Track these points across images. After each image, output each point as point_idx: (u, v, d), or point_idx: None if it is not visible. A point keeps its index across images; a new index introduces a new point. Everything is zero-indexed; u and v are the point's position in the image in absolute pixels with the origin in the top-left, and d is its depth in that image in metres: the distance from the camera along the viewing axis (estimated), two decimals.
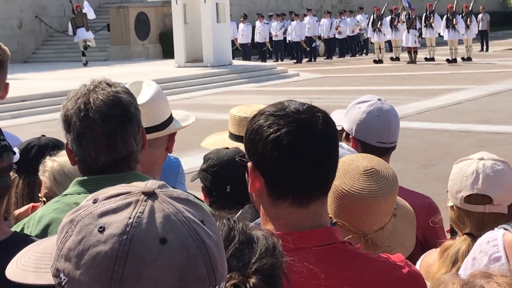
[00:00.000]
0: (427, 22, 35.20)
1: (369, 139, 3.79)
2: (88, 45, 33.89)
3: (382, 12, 37.12)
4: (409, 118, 18.14)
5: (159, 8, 37.50)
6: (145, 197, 1.33)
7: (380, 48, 36.32)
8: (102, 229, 1.29)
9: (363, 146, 3.79)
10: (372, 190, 2.74)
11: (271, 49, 39.45)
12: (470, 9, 35.99)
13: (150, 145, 3.51)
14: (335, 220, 2.73)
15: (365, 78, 28.98)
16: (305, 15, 39.88)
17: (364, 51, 41.78)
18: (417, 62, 34.45)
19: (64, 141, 2.80)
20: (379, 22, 36.53)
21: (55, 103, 22.12)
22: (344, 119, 3.86)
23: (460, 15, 35.23)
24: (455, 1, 35.80)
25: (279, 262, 1.74)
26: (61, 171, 3.19)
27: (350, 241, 2.34)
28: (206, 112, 19.57)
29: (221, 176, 4.13)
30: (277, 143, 2.16)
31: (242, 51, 38.22)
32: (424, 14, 35.66)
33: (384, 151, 3.79)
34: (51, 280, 1.35)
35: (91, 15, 34.02)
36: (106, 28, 36.68)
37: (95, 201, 1.34)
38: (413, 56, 34.88)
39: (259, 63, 35.45)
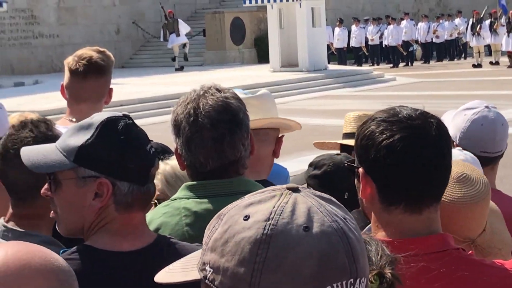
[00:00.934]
0: None
1: (472, 148, 3.66)
2: (186, 56, 34.38)
3: (481, 16, 36.48)
4: (510, 124, 17.66)
5: (254, 13, 37.63)
6: (290, 191, 1.38)
7: (479, 52, 35.68)
8: (247, 217, 1.34)
9: None
10: (472, 195, 2.67)
11: (367, 54, 39.16)
12: None
13: (258, 139, 3.50)
14: None
15: (463, 82, 28.44)
16: (402, 19, 39.50)
17: (463, 55, 41.12)
18: None
19: (170, 145, 2.79)
20: (478, 26, 35.91)
21: (152, 108, 22.42)
22: (450, 124, 3.75)
23: None
24: None
25: (393, 259, 1.77)
26: (173, 173, 3.21)
27: None
28: (301, 117, 19.46)
29: (338, 182, 4.01)
30: (390, 149, 2.15)
31: (338, 55, 38.07)
32: None
33: (488, 160, 3.69)
34: (197, 276, 1.39)
35: (186, 29, 34.36)
36: (202, 33, 37.00)
37: (242, 198, 1.41)
38: None
39: (355, 67, 35.24)
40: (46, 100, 21.41)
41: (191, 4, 37.94)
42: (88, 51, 4.26)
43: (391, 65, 37.77)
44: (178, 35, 34.48)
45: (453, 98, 22.93)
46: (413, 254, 2.10)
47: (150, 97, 23.69)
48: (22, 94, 22.66)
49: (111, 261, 2.31)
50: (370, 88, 27.95)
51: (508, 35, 34.64)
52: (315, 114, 19.76)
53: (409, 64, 38.25)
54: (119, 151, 2.32)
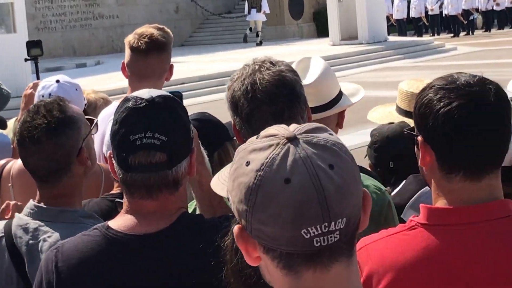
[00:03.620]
0: None
1: None
2: (258, 33, 34.43)
3: None
4: None
5: None
6: (285, 141, 1.55)
7: None
8: (247, 163, 1.55)
9: None
10: None
11: (427, 24, 38.73)
12: None
13: (319, 121, 3.49)
14: None
15: None
16: None
17: None
18: None
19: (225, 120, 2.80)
20: None
21: (213, 85, 22.53)
22: None
23: None
24: None
25: None
26: None
27: None
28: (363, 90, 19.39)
29: (383, 152, 4.10)
30: (448, 117, 2.16)
31: (398, 26, 37.75)
32: None
33: None
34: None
35: (265, 6, 34.42)
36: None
37: (257, 137, 1.60)
38: None
39: (415, 38, 34.92)
40: (109, 80, 21.66)
41: None
42: (148, 29, 4.32)
43: (452, 34, 37.32)
44: (259, 10, 34.39)
45: None
46: (474, 221, 2.14)
47: (210, 74, 23.82)
48: (85, 75, 22.93)
49: (122, 242, 2.39)
50: (430, 59, 27.67)
51: None
52: (377, 86, 19.66)
53: (470, 33, 37.76)
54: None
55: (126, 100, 2.45)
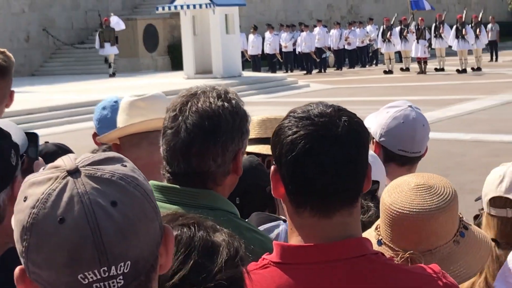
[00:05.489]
0: (436, 33, 35.16)
1: (391, 145, 3.67)
2: (111, 64, 34.49)
3: (391, 23, 37.01)
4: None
5: (167, 20, 37.44)
6: (65, 174, 1.42)
7: (390, 59, 36.16)
8: (25, 199, 1.42)
9: (384, 152, 3.69)
10: (418, 206, 2.50)
11: (281, 60, 39.32)
12: (479, 19, 35.82)
13: (149, 143, 3.38)
14: (380, 238, 2.54)
15: (376, 88, 28.78)
16: (315, 26, 39.79)
17: (374, 62, 41.64)
18: (427, 73, 34.35)
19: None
20: (389, 32, 36.42)
21: (64, 116, 22.04)
22: (373, 121, 3.73)
23: (470, 25, 35.10)
24: (464, 12, 35.70)
25: (239, 272, 1.80)
26: None
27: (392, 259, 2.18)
28: None
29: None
30: (291, 147, 2.04)
31: (252, 62, 38.13)
32: (434, 24, 35.60)
33: (406, 160, 3.68)
34: None
35: (121, 26, 34.39)
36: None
37: (44, 168, 1.47)
38: (423, 66, 34.77)
39: (269, 74, 35.34)
40: None
41: (103, 11, 37.47)
42: None
43: (305, 71, 38.00)
44: (112, 44, 34.42)
45: (366, 104, 23.14)
46: (327, 260, 2.02)
47: (60, 105, 23.25)
48: None
49: None
50: (284, 95, 28.03)
51: (418, 42, 35.23)
52: None
53: (322, 70, 38.55)
54: None
55: None
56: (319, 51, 38.79)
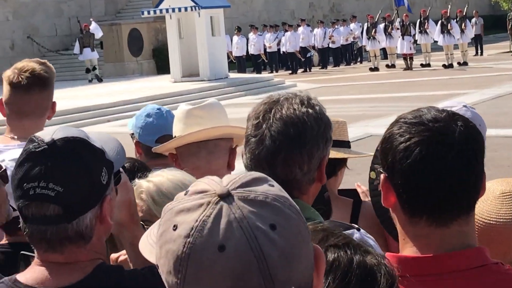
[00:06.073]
0: (421, 28, 35.21)
1: None
2: (95, 67, 34.46)
3: (375, 20, 37.05)
4: None
5: (151, 24, 37.31)
6: (218, 199, 1.34)
7: (375, 56, 36.22)
8: (175, 228, 1.35)
9: None
10: (505, 215, 2.46)
11: (266, 61, 39.30)
12: (464, 13, 35.95)
13: (208, 151, 3.36)
14: None
15: (363, 86, 28.83)
16: (299, 26, 39.79)
17: (359, 60, 41.68)
18: (413, 69, 34.38)
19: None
20: (373, 29, 36.47)
21: (56, 123, 21.87)
22: None
23: (455, 20, 35.20)
24: (449, 6, 35.79)
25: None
26: (159, 191, 2.96)
27: None
28: None
29: None
30: (405, 154, 1.96)
31: (237, 63, 38.09)
32: (418, 20, 35.66)
33: None
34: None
35: (98, 33, 34.45)
36: (99, 46, 36.50)
37: (186, 193, 1.39)
38: (409, 62, 34.84)
39: (256, 75, 35.31)
40: None
41: (87, 17, 37.30)
42: (29, 63, 4.02)
43: (290, 71, 37.99)
44: (92, 49, 34.46)
45: (356, 102, 23.21)
46: (447, 271, 1.95)
47: None
48: None
49: None
50: None
51: (403, 38, 35.28)
52: None
53: (307, 70, 38.54)
54: None
55: (30, 140, 2.18)
56: (304, 50, 38.78)
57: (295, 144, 2.38)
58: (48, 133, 2.16)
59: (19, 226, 2.18)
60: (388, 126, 2.09)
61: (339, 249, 1.74)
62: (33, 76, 3.95)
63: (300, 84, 31.20)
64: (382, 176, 2.04)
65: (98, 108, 23.64)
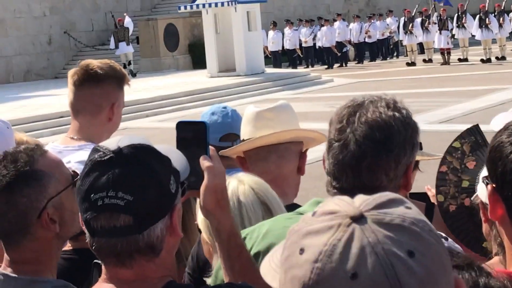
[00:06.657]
0: (459, 23, 34.90)
1: None
2: (130, 62, 34.58)
3: (413, 14, 36.80)
4: (456, 121, 17.84)
5: (187, 19, 37.34)
6: (349, 221, 1.24)
7: (412, 51, 35.96)
8: (302, 252, 1.25)
9: None
10: None
11: (302, 56, 39.17)
12: (502, 7, 35.59)
13: (278, 156, 3.27)
14: None
15: (401, 81, 28.58)
16: (335, 20, 39.61)
17: (395, 54, 41.39)
18: (450, 63, 34.09)
19: None
20: (410, 24, 36.19)
21: None
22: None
23: (493, 14, 34.86)
24: (487, 0, 35.43)
25: None
26: (255, 198, 2.83)
27: None
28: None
29: None
30: None
31: (273, 58, 38.00)
32: (456, 14, 35.34)
33: None
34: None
35: (131, 28, 34.66)
36: (135, 41, 36.60)
37: (313, 214, 1.29)
38: (446, 57, 34.55)
39: (292, 70, 35.23)
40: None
41: (123, 12, 37.41)
42: (92, 61, 3.97)
43: (326, 66, 37.83)
44: (128, 43, 34.53)
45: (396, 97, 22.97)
46: None
47: None
48: None
49: None
50: (308, 90, 27.88)
51: (440, 33, 35.01)
52: None
53: (344, 65, 38.36)
54: None
55: (94, 150, 2.07)
56: (340, 45, 38.60)
57: (382, 149, 2.26)
58: (113, 141, 2.06)
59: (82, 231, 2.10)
60: (495, 134, 1.98)
61: (462, 271, 1.66)
62: (86, 71, 3.88)
63: (336, 79, 31.06)
64: (489, 187, 1.93)
65: (136, 104, 23.65)
